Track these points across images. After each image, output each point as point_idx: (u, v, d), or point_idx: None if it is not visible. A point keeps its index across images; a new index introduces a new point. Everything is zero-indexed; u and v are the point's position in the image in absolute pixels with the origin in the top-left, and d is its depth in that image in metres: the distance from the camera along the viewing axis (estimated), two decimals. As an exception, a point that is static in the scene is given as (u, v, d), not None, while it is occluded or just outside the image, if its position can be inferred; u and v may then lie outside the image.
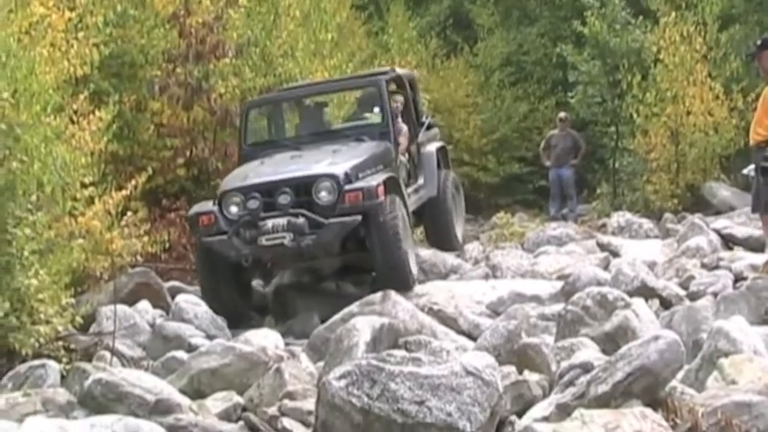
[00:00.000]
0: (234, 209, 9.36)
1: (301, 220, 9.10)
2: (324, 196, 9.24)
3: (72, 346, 7.53)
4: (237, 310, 9.37)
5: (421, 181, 11.38)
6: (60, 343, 7.39)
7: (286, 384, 6.05)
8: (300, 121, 11.82)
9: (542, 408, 5.10)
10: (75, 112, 8.84)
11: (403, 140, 10.99)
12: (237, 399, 6.11)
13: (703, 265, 9.40)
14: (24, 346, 6.89)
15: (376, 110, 11.00)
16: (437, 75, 21.27)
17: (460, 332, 8.01)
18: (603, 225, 14.46)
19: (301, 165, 9.77)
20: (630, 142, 16.95)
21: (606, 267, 9.68)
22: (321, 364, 6.83)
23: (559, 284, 9.12)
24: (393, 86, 11.74)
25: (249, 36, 12.68)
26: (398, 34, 20.93)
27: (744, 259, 9.20)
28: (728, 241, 10.68)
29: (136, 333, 8.22)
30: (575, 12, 19.60)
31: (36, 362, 6.77)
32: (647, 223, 13.46)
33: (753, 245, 10.14)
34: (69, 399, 6.02)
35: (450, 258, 11.22)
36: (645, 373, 4.85)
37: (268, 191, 9.34)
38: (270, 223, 9.13)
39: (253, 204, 9.25)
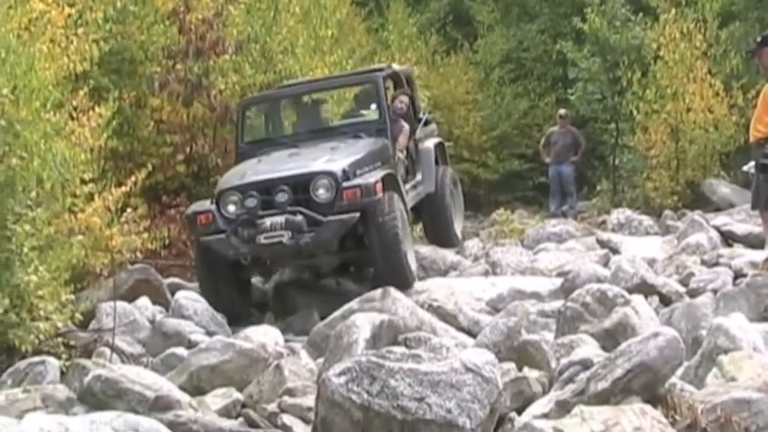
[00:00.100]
0: (232, 207, 9.35)
1: (299, 217, 9.09)
2: (322, 194, 9.23)
3: (72, 342, 7.53)
4: (237, 308, 9.35)
5: (419, 177, 11.38)
6: (60, 339, 7.39)
7: (286, 381, 6.05)
8: (297, 119, 11.81)
9: (542, 404, 5.10)
10: (75, 109, 8.84)
11: (403, 139, 10.99)
12: (237, 395, 6.10)
13: (703, 262, 9.40)
14: (24, 343, 6.89)
15: (373, 106, 11.00)
16: (437, 71, 21.29)
17: (460, 329, 8.01)
18: (603, 222, 14.45)
19: (299, 162, 9.75)
20: (630, 139, 16.98)
21: (606, 264, 9.67)
22: (321, 360, 6.82)
23: (559, 281, 9.12)
24: (394, 85, 11.77)
25: (249, 32, 12.69)
26: (398, 31, 20.95)
27: (743, 256, 9.20)
28: (728, 238, 10.68)
29: (135, 329, 8.23)
30: (575, 8, 19.62)
31: (36, 358, 6.77)
32: (646, 220, 13.45)
33: (752, 242, 10.14)
34: (69, 395, 6.02)
35: (449, 255, 11.22)
36: (644, 370, 4.85)
37: (266, 189, 9.33)
38: (268, 221, 9.13)
39: (251, 203, 9.24)
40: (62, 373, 6.75)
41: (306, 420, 5.48)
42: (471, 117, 21.41)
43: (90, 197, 8.50)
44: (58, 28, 8.87)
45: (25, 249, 7.06)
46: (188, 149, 12.32)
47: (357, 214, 9.14)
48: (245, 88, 12.29)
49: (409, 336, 7.02)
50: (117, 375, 5.71)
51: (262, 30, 12.73)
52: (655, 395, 4.89)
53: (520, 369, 5.70)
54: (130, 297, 8.83)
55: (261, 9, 12.94)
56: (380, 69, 11.60)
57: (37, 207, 7.32)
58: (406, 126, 11.14)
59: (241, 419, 5.71)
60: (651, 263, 9.48)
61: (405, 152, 11.14)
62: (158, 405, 5.50)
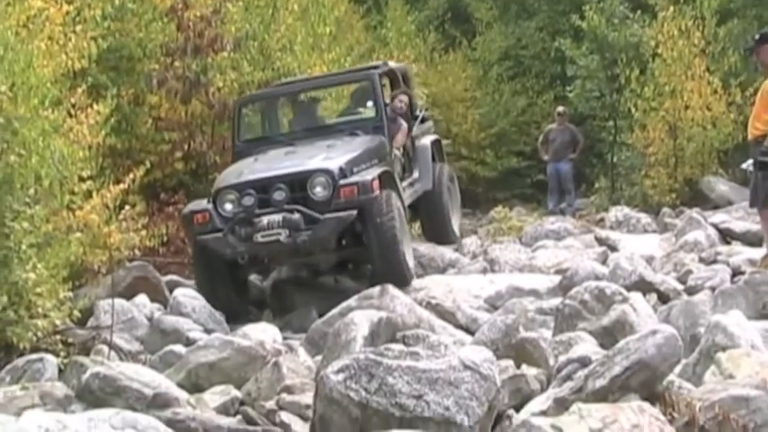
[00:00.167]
0: (229, 206, 9.34)
1: (297, 215, 9.08)
2: (319, 191, 9.23)
3: (70, 339, 7.52)
4: (234, 307, 9.32)
5: (416, 174, 11.38)
6: (58, 337, 7.37)
7: (284, 378, 6.05)
8: (294, 117, 11.80)
9: (540, 402, 5.11)
10: (73, 106, 8.84)
11: (401, 138, 11.00)
12: (235, 393, 6.10)
13: (701, 260, 9.41)
14: (22, 340, 6.88)
15: (369, 104, 11.00)
16: (435, 69, 21.28)
17: (458, 326, 8.01)
18: (601, 219, 14.45)
19: (296, 160, 9.74)
20: (629, 137, 16.97)
21: (604, 262, 9.68)
22: (319, 358, 6.82)
23: (557, 279, 9.13)
24: (390, 82, 11.76)
25: (247, 30, 12.68)
26: (397, 28, 20.93)
27: (742, 254, 9.21)
28: (726, 236, 10.68)
29: (134, 327, 8.22)
30: (573, 6, 19.59)
31: (34, 356, 6.76)
32: (645, 218, 13.46)
33: (751, 239, 10.15)
34: (67, 392, 6.01)
35: (448, 252, 11.22)
36: (642, 368, 4.85)
37: (263, 187, 9.32)
38: (265, 220, 9.12)
39: (248, 201, 9.23)
40: (60, 371, 6.75)
41: (304, 418, 5.48)
42: (470, 114, 21.40)
43: (88, 194, 8.50)
44: (57, 25, 8.86)
45: (23, 246, 7.04)
46: (186, 147, 12.31)
47: (354, 212, 9.14)
48: (243, 85, 12.28)
49: (407, 333, 7.02)
50: (115, 373, 5.70)
51: (260, 27, 12.72)
52: (653, 393, 4.89)
53: (518, 366, 5.70)
54: (129, 294, 8.82)
55: (259, 6, 12.93)
56: (377, 67, 11.60)
57: (35, 204, 7.31)
58: (405, 124, 11.14)
59: (239, 417, 5.71)
60: (649, 260, 9.49)
61: (402, 150, 11.14)
62: (156, 402, 5.50)
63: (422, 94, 15.48)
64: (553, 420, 4.54)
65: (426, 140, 11.90)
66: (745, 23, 17.04)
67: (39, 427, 4.38)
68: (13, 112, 7.10)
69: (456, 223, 12.28)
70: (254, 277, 10.39)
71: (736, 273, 8.40)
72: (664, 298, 7.98)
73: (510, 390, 5.28)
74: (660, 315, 6.94)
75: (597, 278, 8.12)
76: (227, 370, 6.43)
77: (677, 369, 5.28)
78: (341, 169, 9.36)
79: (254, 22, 12.74)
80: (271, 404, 5.75)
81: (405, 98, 11.42)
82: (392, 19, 21.27)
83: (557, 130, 17.10)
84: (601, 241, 11.33)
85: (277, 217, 9.10)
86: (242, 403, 5.98)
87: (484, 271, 10.25)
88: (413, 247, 10.36)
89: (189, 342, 7.57)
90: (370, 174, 9.42)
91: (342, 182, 9.23)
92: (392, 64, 12.21)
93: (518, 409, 5.16)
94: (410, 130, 11.43)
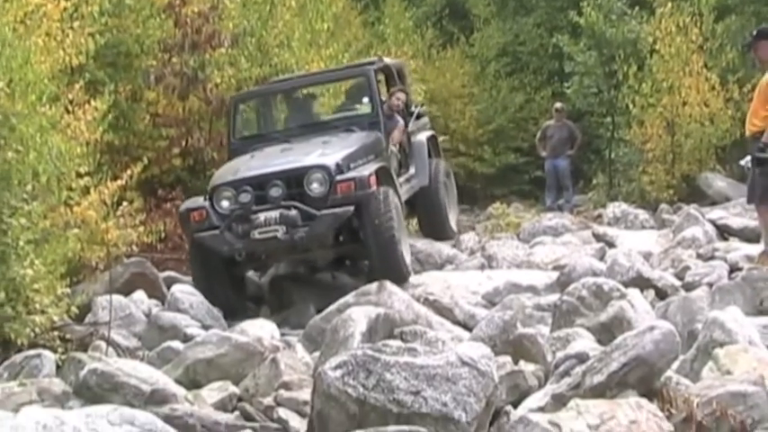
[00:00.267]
0: (225, 203, 9.34)
1: (294, 212, 9.08)
2: (315, 188, 9.22)
3: (67, 336, 7.53)
4: (232, 303, 9.33)
5: (412, 170, 11.39)
6: (56, 333, 7.38)
7: (282, 374, 6.05)
8: (290, 114, 11.80)
9: (538, 398, 5.11)
10: (71, 102, 8.83)
11: (398, 134, 11.01)
12: (233, 389, 6.10)
13: (699, 256, 9.41)
14: (20, 336, 6.89)
15: (365, 100, 10.99)
16: (433, 65, 21.26)
17: (456, 322, 8.01)
18: (599, 216, 14.44)
19: (292, 157, 9.74)
20: (626, 133, 16.95)
21: (602, 258, 9.68)
22: (317, 354, 6.83)
23: (555, 275, 9.13)
24: (386, 78, 11.76)
25: (245, 26, 12.67)
26: (394, 24, 20.91)
27: (739, 250, 9.21)
28: (724, 232, 10.68)
29: (131, 323, 8.22)
30: (571, 2, 19.56)
31: (31, 352, 6.77)
32: (642, 214, 13.46)
33: (748, 235, 10.15)
34: (65, 389, 6.02)
35: (445, 249, 11.23)
36: (640, 364, 4.86)
37: (259, 184, 9.31)
38: (262, 216, 9.12)
39: (244, 198, 9.22)
40: (58, 367, 6.75)
41: (302, 414, 5.48)
42: (467, 111, 21.37)
43: (86, 190, 8.50)
44: (54, 21, 8.85)
45: (21, 243, 7.05)
46: (184, 143, 12.30)
47: (351, 208, 9.14)
48: (240, 82, 12.27)
49: (405, 329, 7.03)
50: (113, 369, 5.71)
51: (258, 23, 12.71)
52: (650, 389, 4.90)
53: (516, 363, 5.71)
54: (126, 290, 8.82)
55: (257, 2, 12.93)
56: (372, 63, 11.59)
57: (33, 200, 7.32)
58: (401, 121, 11.15)
59: (237, 413, 5.71)
60: (647, 256, 9.49)
61: (398, 146, 11.15)
62: (154, 399, 5.50)
63: (419, 90, 15.46)
64: (551, 416, 4.55)
65: (422, 136, 11.90)
66: (743, 20, 17.02)
67: (36, 424, 4.37)
68: (10, 109, 7.10)
69: (453, 219, 12.29)
70: (251, 274, 10.39)
71: (733, 269, 8.41)
72: (661, 294, 7.98)
73: (507, 386, 5.28)
74: (658, 311, 6.94)
75: (595, 274, 8.13)
76: (225, 366, 6.43)
77: (675, 365, 5.29)
78: (337, 165, 9.36)
79: (251, 19, 12.73)
80: (268, 400, 5.76)
81: (402, 96, 11.44)
82: (390, 15, 21.26)
83: (554, 127, 17.09)
84: (598, 237, 11.33)
85: (274, 213, 9.10)
86: (240, 399, 5.99)
87: (481, 267, 10.25)
88: (410, 243, 10.36)
89: (186, 338, 7.58)
90: (367, 169, 9.42)
91: (338, 178, 9.23)
92: (387, 60, 12.21)
93: (516, 405, 5.15)
94: (406, 126, 11.43)
